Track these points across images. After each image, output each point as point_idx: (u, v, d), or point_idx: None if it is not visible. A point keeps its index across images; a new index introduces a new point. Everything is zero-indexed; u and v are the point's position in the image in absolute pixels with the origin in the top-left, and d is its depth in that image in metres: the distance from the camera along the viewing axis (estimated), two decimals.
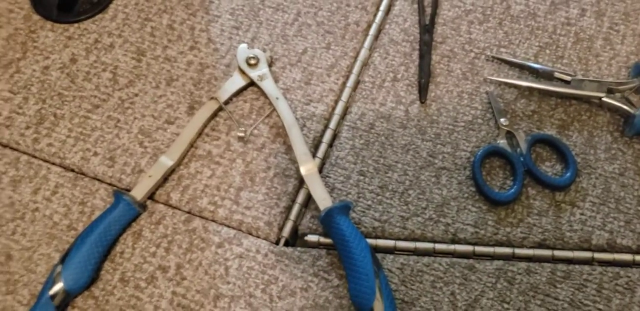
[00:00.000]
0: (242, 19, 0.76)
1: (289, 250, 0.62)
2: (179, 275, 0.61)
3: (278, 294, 0.60)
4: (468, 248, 0.62)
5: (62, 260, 0.58)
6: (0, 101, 0.71)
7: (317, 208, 0.62)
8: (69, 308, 0.59)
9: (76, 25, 0.77)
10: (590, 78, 0.69)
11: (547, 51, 0.73)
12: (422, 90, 0.70)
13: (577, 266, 0.60)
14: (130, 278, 0.61)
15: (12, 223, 0.64)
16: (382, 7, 0.78)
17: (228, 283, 0.60)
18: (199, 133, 0.68)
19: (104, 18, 0.77)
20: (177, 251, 0.62)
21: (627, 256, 0.61)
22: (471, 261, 0.61)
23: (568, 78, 0.69)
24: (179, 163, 0.66)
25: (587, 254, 0.61)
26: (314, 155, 0.67)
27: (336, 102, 0.71)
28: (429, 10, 0.76)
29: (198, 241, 0.63)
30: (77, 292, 0.59)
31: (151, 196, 0.65)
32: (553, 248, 0.62)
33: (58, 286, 0.57)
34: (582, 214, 0.63)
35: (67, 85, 0.72)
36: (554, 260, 0.61)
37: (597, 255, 0.61)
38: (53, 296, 0.57)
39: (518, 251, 0.61)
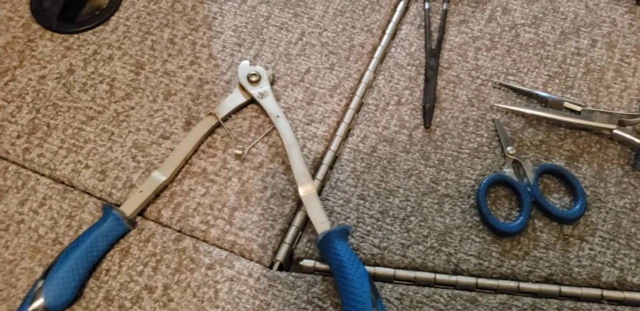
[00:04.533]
0: (245, 36, 0.75)
1: (283, 274, 0.59)
2: (165, 296, 0.58)
3: None
4: (471, 280, 0.59)
5: (45, 275, 0.56)
6: None
7: (314, 232, 0.60)
8: None
9: (76, 35, 0.76)
10: (601, 109, 0.67)
11: (557, 80, 0.71)
12: (427, 115, 0.68)
13: (585, 303, 0.58)
14: (114, 297, 0.58)
15: None
16: (389, 31, 0.77)
17: (217, 307, 0.57)
18: (195, 150, 0.66)
19: (105, 30, 0.76)
20: (165, 271, 0.59)
21: (638, 296, 0.58)
22: (474, 294, 0.58)
23: (578, 108, 0.67)
24: (171, 180, 0.64)
25: (596, 291, 0.59)
26: (313, 177, 0.65)
27: (338, 123, 0.69)
28: (435, 35, 0.75)
29: (188, 262, 0.60)
30: (58, 310, 0.56)
31: (141, 212, 0.63)
32: (560, 284, 0.59)
33: (38, 303, 0.54)
34: (591, 249, 0.60)
35: (62, 95, 0.70)
36: (561, 296, 0.58)
37: (607, 293, 0.58)
38: None
39: (523, 285, 0.59)
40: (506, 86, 0.71)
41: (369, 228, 0.62)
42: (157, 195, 0.63)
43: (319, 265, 0.60)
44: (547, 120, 0.68)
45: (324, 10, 0.77)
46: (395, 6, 0.79)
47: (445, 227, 0.62)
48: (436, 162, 0.66)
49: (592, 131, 0.67)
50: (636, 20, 0.75)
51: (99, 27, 0.76)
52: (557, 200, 0.63)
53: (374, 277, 0.60)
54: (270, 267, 0.60)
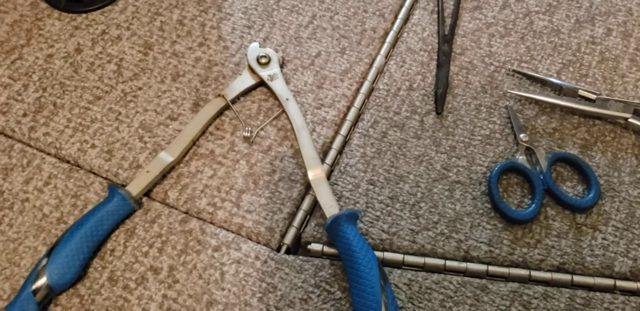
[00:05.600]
0: (255, 19, 0.74)
1: (290, 258, 0.59)
2: (171, 277, 0.57)
3: (275, 304, 0.56)
4: (481, 267, 0.58)
5: (49, 253, 0.55)
6: None
7: (322, 216, 0.59)
8: (51, 306, 0.55)
9: (84, 15, 0.74)
10: (616, 98, 0.66)
11: (571, 68, 0.70)
12: (439, 101, 0.67)
13: (597, 293, 0.57)
14: (119, 277, 0.57)
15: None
16: (401, 15, 0.75)
17: (223, 289, 0.57)
18: (203, 131, 0.65)
19: (114, 10, 0.75)
20: (171, 252, 0.58)
21: None
22: (484, 281, 0.57)
23: (593, 96, 0.66)
24: (179, 161, 0.63)
25: (608, 281, 0.58)
26: (322, 161, 0.64)
27: (348, 108, 0.68)
28: (448, 21, 0.74)
29: (194, 243, 0.59)
30: (62, 289, 0.55)
31: (147, 193, 0.62)
32: (572, 273, 0.58)
33: (42, 281, 0.53)
34: (604, 239, 0.59)
35: (69, 74, 0.69)
36: (573, 285, 0.57)
37: (620, 283, 0.57)
38: (35, 291, 0.53)
39: (535, 274, 0.58)
40: (520, 73, 0.70)
41: (378, 213, 0.61)
42: (164, 176, 0.62)
43: (327, 249, 0.59)
44: (561, 107, 0.67)
45: None
46: None
47: (455, 213, 0.61)
48: (447, 148, 0.65)
49: (607, 120, 0.66)
50: None
51: (107, 7, 0.75)
52: (570, 188, 0.62)
53: (383, 262, 0.59)
54: (278, 250, 0.59)
